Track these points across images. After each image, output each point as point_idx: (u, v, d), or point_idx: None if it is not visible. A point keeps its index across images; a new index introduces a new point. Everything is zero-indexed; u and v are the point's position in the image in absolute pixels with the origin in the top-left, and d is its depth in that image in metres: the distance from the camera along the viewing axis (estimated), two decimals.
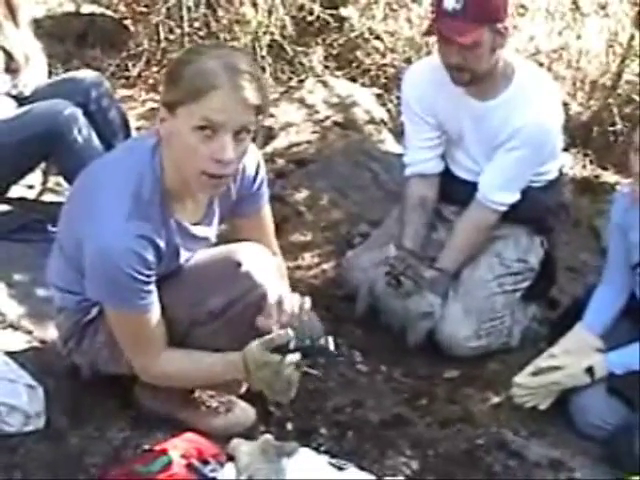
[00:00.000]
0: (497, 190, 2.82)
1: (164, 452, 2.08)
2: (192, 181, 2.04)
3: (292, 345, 2.05)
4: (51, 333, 2.52)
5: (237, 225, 2.38)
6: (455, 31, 2.60)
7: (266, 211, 2.40)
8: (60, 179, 3.34)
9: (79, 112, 3.07)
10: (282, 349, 2.04)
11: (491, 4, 2.65)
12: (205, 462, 2.07)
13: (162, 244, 2.05)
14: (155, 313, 2.09)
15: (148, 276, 2.03)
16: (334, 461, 2.16)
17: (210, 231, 2.24)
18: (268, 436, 2.18)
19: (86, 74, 3.35)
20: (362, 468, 2.22)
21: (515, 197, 2.84)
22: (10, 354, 2.39)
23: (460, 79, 2.72)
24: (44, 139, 3.01)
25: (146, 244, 2.00)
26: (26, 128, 3.01)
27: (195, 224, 2.17)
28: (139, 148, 2.10)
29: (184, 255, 2.17)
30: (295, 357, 2.06)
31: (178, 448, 2.09)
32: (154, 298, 2.08)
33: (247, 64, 1.98)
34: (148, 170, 2.04)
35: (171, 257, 2.12)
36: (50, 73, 3.53)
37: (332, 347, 2.10)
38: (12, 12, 3.15)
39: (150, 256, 2.02)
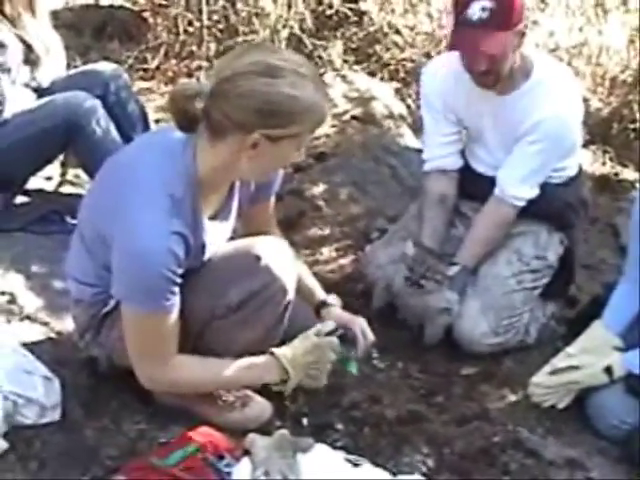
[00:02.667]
0: (516, 184, 2.80)
1: (180, 445, 2.09)
2: (256, 177, 2.16)
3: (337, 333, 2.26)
4: (68, 325, 2.53)
5: (246, 213, 2.35)
6: (482, 42, 2.55)
7: (273, 197, 2.44)
8: (79, 171, 3.34)
9: (99, 104, 3.07)
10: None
11: (516, 9, 2.60)
12: (220, 456, 2.07)
13: (192, 241, 2.05)
14: (175, 315, 2.08)
15: (178, 275, 2.03)
16: (350, 457, 2.16)
17: (224, 229, 2.24)
18: (284, 431, 2.17)
19: (105, 66, 3.35)
20: (377, 465, 2.20)
21: (534, 192, 2.82)
22: (27, 346, 2.39)
23: (486, 83, 2.71)
24: (63, 130, 3.01)
25: (180, 241, 2.00)
26: (46, 119, 3.01)
27: (212, 218, 2.17)
28: (169, 147, 2.07)
29: (209, 251, 2.17)
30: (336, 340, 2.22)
31: (194, 442, 2.09)
32: (176, 299, 2.07)
33: (313, 70, 2.04)
34: (181, 167, 2.03)
35: (197, 254, 2.12)
36: (68, 65, 3.53)
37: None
38: (31, 3, 3.15)
39: (182, 254, 2.01)
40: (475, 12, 2.56)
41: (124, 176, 2.09)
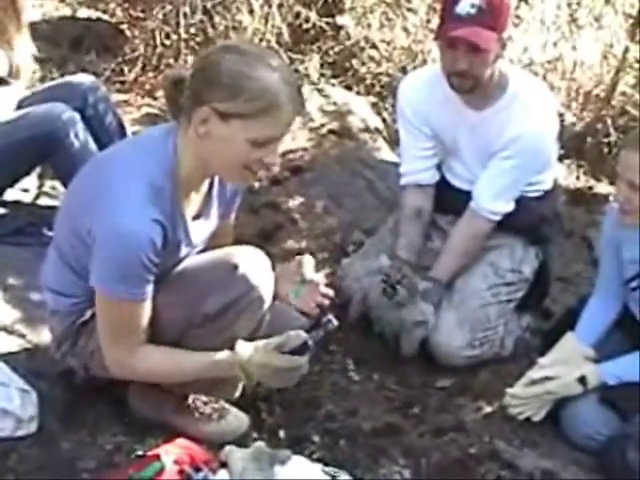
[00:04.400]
0: (491, 199, 2.83)
1: (157, 458, 2.07)
2: (228, 174, 2.12)
3: (310, 343, 2.13)
4: (44, 337, 2.52)
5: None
6: (469, 33, 2.57)
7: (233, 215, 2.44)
8: (56, 183, 3.33)
9: (77, 116, 3.07)
10: (297, 351, 2.12)
11: (503, 13, 2.64)
12: (197, 469, 2.07)
13: (170, 233, 2.07)
14: (147, 305, 2.09)
15: (154, 264, 2.04)
16: (327, 469, 2.16)
17: (207, 226, 2.25)
18: (261, 443, 2.18)
19: (83, 78, 3.34)
20: (355, 476, 2.22)
21: (509, 206, 2.85)
22: (3, 358, 2.39)
23: (462, 86, 2.71)
24: (41, 142, 3.00)
25: (159, 230, 2.02)
26: (23, 130, 3.01)
27: (195, 217, 2.19)
28: (151, 139, 2.12)
29: (183, 250, 2.18)
30: (305, 359, 2.14)
31: (171, 454, 2.08)
32: (150, 289, 2.08)
33: (291, 73, 2.06)
34: (162, 159, 2.06)
35: (172, 249, 2.13)
36: (45, 77, 3.52)
37: (336, 322, 2.22)
38: (17, 15, 3.13)
39: (160, 243, 2.03)
40: (464, 7, 2.59)
41: (103, 169, 2.12)
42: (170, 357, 2.16)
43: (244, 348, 2.14)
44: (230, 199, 2.33)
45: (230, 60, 1.98)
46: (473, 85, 2.70)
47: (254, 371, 2.13)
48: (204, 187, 2.20)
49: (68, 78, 3.42)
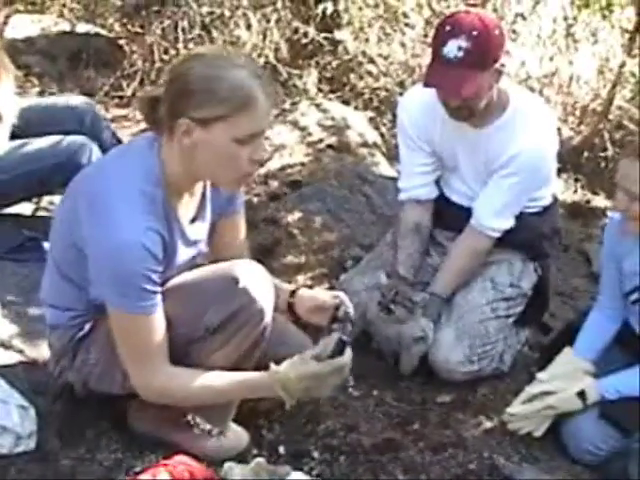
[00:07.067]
0: (492, 216, 2.83)
1: (155, 475, 2.07)
2: (222, 179, 2.13)
3: (345, 338, 2.19)
4: (43, 352, 2.52)
5: (218, 227, 2.36)
6: (456, 82, 2.56)
7: (242, 214, 2.44)
8: (53, 198, 3.34)
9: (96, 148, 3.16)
10: (335, 353, 2.15)
11: (493, 46, 2.60)
12: None
13: (166, 238, 2.07)
14: (159, 316, 2.08)
15: (156, 273, 2.03)
16: None
17: (204, 227, 2.26)
18: (261, 459, 2.18)
19: (78, 100, 3.39)
20: None
21: (510, 223, 2.85)
22: (1, 374, 2.38)
23: (458, 116, 2.73)
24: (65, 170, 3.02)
25: (157, 238, 2.02)
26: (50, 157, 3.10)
27: (192, 221, 2.20)
28: (135, 150, 2.14)
29: (182, 253, 2.18)
30: (348, 356, 2.18)
31: (170, 471, 2.08)
32: (159, 300, 2.07)
33: (258, 66, 2.11)
34: (150, 168, 2.07)
35: (171, 253, 2.13)
36: (43, 92, 3.52)
37: (351, 309, 2.33)
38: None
39: (159, 251, 2.03)
40: (451, 50, 2.57)
41: (94, 180, 2.12)
42: (197, 376, 2.14)
43: (279, 367, 2.14)
44: (228, 198, 2.32)
45: (197, 67, 2.01)
46: (469, 114, 2.71)
47: (296, 386, 2.13)
48: (198, 190, 2.21)
49: (64, 100, 3.43)
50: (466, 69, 2.56)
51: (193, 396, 2.18)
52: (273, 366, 2.14)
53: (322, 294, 2.44)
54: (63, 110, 3.30)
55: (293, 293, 2.42)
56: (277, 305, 2.34)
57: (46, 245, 2.95)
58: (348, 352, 2.18)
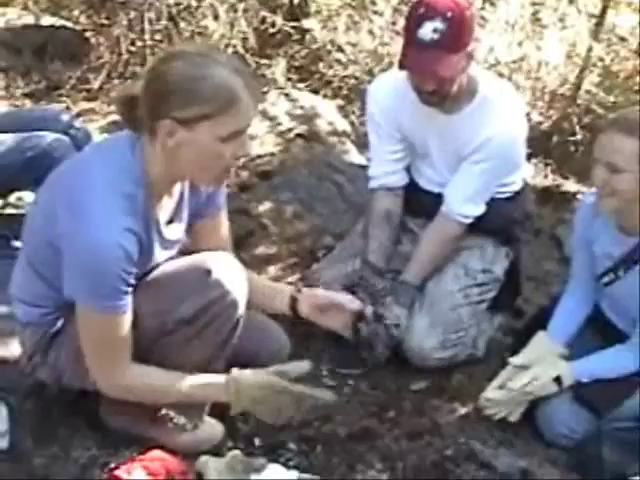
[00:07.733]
0: (463, 202, 2.83)
1: (130, 471, 2.06)
2: (206, 177, 2.10)
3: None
4: (13, 351, 2.48)
5: (200, 227, 2.34)
6: (433, 63, 2.56)
7: (225, 211, 2.41)
8: (21, 194, 3.30)
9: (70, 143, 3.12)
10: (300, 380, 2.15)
11: (467, 30, 2.60)
12: None
13: (144, 239, 2.05)
14: (128, 317, 2.06)
15: (130, 274, 2.01)
16: (303, 476, 2.15)
17: (181, 228, 2.24)
18: (236, 452, 2.17)
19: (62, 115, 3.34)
20: None
21: (481, 209, 2.85)
22: None
23: (430, 101, 2.72)
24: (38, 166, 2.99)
25: (133, 239, 2.00)
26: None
27: (169, 222, 2.17)
28: (116, 148, 2.09)
29: (158, 255, 2.16)
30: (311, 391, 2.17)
31: (146, 466, 2.07)
32: (130, 301, 2.05)
33: (240, 62, 2.07)
34: (131, 168, 2.04)
35: (148, 255, 2.11)
36: (9, 87, 3.48)
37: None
38: None
39: (135, 252, 2.01)
40: (427, 33, 2.56)
41: (73, 177, 2.08)
42: (160, 376, 2.13)
43: (238, 374, 2.14)
44: (209, 196, 2.30)
45: (177, 67, 1.97)
46: (441, 99, 2.70)
47: (247, 391, 2.12)
48: (177, 191, 2.18)
49: (39, 112, 3.39)
50: (442, 51, 2.56)
51: (155, 396, 2.18)
52: (235, 370, 2.15)
53: (335, 295, 2.44)
54: (46, 122, 3.24)
55: (298, 290, 2.42)
56: (274, 304, 2.39)
57: (15, 243, 2.93)
58: (321, 392, 2.20)
